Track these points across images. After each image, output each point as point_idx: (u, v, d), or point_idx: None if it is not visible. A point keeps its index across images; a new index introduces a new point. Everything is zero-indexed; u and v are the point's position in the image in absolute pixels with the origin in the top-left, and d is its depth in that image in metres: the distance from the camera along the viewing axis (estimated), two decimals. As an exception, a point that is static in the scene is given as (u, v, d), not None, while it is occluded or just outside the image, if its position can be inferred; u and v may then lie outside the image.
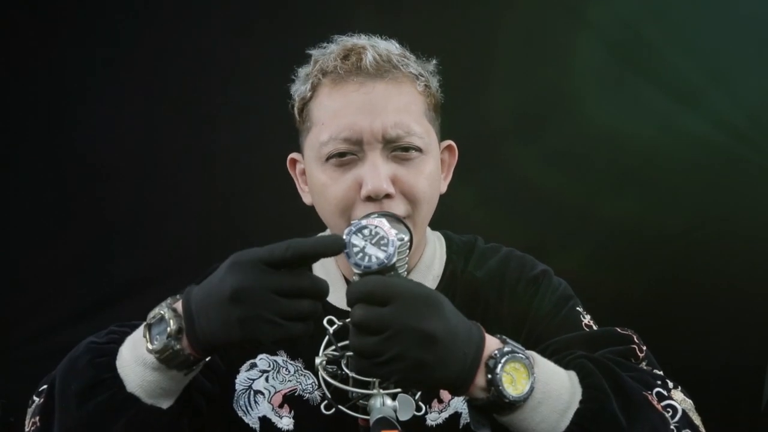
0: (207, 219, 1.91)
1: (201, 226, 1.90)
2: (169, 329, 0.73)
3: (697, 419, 0.83)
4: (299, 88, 0.97)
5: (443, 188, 1.03)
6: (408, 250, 0.81)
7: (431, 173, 0.95)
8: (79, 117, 1.85)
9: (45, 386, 0.86)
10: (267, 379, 1.00)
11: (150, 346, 0.74)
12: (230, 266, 0.71)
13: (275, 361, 1.01)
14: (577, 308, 1.01)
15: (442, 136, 1.04)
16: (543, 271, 1.05)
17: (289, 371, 1.00)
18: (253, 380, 1.00)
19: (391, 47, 0.96)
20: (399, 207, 0.91)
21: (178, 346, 0.73)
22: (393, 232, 0.73)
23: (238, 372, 1.01)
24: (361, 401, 0.82)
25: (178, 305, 0.76)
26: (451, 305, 0.73)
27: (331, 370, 0.86)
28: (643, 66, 1.91)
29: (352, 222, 0.76)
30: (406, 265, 0.81)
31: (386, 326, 0.68)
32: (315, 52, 0.98)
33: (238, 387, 1.00)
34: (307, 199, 1.03)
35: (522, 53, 1.90)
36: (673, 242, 1.97)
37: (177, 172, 1.89)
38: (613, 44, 1.91)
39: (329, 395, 0.86)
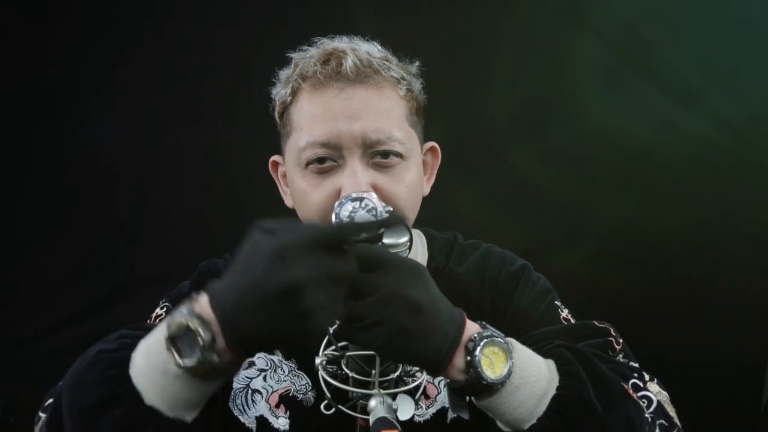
0: (207, 219, 1.91)
1: (201, 226, 1.90)
2: (201, 341, 0.64)
3: (671, 410, 0.84)
4: (280, 92, 0.97)
5: (426, 191, 1.03)
6: (408, 251, 0.81)
7: (412, 180, 0.94)
8: (79, 118, 1.85)
9: (51, 400, 0.80)
10: (265, 378, 0.99)
11: (182, 363, 0.65)
12: (275, 252, 0.63)
13: (272, 360, 1.00)
14: (556, 302, 1.01)
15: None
16: (522, 266, 1.05)
17: (284, 371, 0.99)
18: (251, 379, 0.99)
19: (372, 50, 0.95)
20: None
21: (215, 358, 0.65)
22: (381, 204, 0.74)
23: None
24: (361, 401, 0.82)
25: (203, 310, 0.66)
26: (434, 283, 0.73)
27: (331, 370, 0.86)
28: (643, 66, 1.91)
29: (342, 195, 0.75)
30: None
31: (372, 290, 0.67)
32: (295, 56, 0.97)
33: (235, 386, 0.99)
34: (288, 202, 1.02)
35: (522, 53, 1.90)
36: (673, 242, 1.97)
37: (177, 172, 1.89)
38: (613, 44, 1.91)
39: (329, 395, 0.86)
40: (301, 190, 0.93)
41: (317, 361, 0.85)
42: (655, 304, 1.96)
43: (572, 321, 0.99)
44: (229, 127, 1.89)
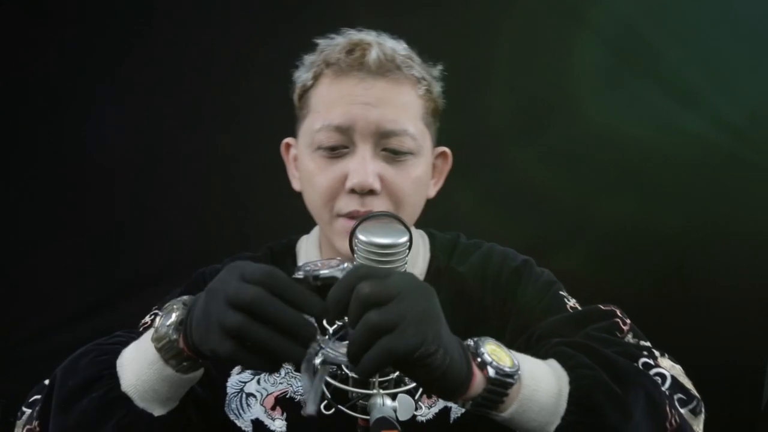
0: (207, 219, 1.91)
1: (201, 226, 1.90)
2: (171, 319, 0.73)
3: (687, 383, 0.83)
4: (301, 75, 0.98)
5: (431, 193, 1.03)
6: (408, 251, 0.80)
7: (419, 177, 0.95)
8: (80, 118, 1.85)
9: (36, 396, 0.85)
10: (259, 382, 0.98)
11: (153, 335, 0.74)
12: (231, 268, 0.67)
13: None
14: (561, 292, 1.00)
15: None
16: (524, 261, 1.05)
17: (280, 373, 0.99)
18: (245, 383, 0.99)
19: (397, 47, 0.96)
20: (381, 205, 0.92)
21: (175, 336, 0.72)
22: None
23: (229, 375, 0.99)
24: (360, 401, 0.81)
25: (190, 299, 0.75)
26: (440, 310, 0.70)
27: (330, 369, 0.85)
28: (643, 66, 1.91)
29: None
30: (406, 266, 0.81)
31: (394, 293, 0.63)
32: (322, 42, 0.99)
33: (229, 390, 0.98)
34: (296, 185, 1.04)
35: (522, 53, 1.90)
36: (672, 242, 1.97)
37: (177, 172, 1.89)
38: (613, 44, 1.91)
39: (329, 395, 0.86)
40: (308, 172, 0.95)
41: (317, 360, 0.85)
42: (655, 304, 1.95)
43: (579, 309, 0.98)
44: (228, 127, 1.89)
